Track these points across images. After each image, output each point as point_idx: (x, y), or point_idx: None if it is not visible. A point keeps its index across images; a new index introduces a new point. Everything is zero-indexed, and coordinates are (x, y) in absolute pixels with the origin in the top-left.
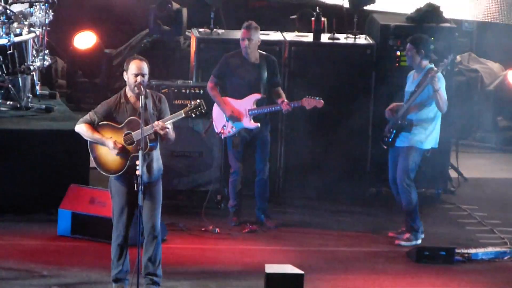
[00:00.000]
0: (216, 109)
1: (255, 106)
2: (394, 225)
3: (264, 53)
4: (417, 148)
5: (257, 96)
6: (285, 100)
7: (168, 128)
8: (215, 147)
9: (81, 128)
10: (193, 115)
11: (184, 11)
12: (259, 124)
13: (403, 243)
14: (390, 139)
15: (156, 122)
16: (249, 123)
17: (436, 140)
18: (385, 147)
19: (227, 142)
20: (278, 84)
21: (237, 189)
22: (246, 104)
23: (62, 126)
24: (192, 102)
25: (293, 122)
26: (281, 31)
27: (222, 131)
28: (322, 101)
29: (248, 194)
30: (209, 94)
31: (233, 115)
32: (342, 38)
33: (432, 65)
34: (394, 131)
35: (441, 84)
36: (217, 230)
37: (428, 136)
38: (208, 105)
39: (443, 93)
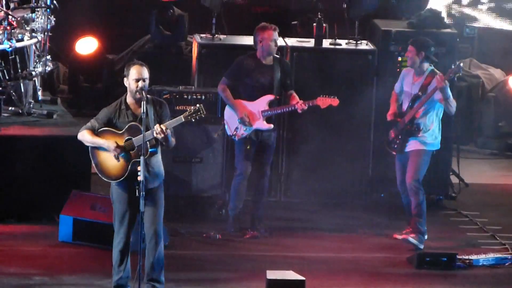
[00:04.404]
0: (228, 111)
1: (268, 107)
2: (396, 230)
3: (277, 55)
4: (426, 150)
5: (270, 97)
6: (300, 100)
7: (167, 133)
8: (217, 152)
9: (83, 135)
10: (193, 120)
11: (186, 16)
12: (272, 125)
13: (411, 239)
14: (400, 145)
15: (156, 126)
16: (262, 124)
17: (439, 141)
18: (394, 153)
19: (236, 144)
20: (292, 87)
21: (240, 192)
22: (259, 105)
23: (64, 131)
24: (192, 107)
25: (295, 128)
26: (283, 37)
27: (235, 133)
28: (337, 99)
29: (246, 199)
30: (221, 95)
31: (245, 117)
32: (343, 44)
33: (433, 67)
34: (402, 137)
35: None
36: (219, 236)
37: (435, 138)
38: (212, 109)
39: (453, 99)
